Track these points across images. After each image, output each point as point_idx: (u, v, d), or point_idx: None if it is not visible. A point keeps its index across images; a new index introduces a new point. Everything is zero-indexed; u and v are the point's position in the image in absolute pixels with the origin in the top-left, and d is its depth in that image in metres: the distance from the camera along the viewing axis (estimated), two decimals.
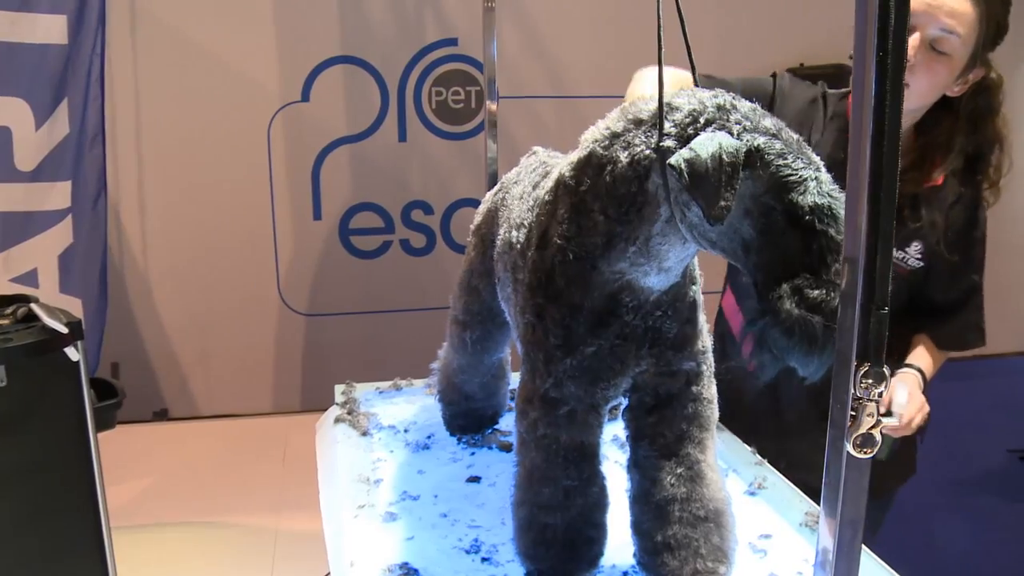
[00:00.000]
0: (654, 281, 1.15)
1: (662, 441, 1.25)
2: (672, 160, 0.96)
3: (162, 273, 4.22)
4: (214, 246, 4.25)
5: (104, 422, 2.35)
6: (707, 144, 0.95)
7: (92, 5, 2.94)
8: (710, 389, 1.27)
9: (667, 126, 1.02)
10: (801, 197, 0.94)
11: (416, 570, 1.32)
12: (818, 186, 0.95)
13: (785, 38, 4.59)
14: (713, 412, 1.28)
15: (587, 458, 1.27)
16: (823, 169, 0.98)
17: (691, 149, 0.96)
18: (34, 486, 2.17)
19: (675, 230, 1.06)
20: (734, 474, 1.64)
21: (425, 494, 1.57)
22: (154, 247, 4.18)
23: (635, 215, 1.07)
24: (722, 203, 0.94)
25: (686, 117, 1.01)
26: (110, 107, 3.82)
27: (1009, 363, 5.30)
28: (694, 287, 1.23)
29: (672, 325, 1.20)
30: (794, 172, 0.95)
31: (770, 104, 1.74)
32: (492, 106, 2.28)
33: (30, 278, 3.08)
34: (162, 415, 4.25)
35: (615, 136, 1.09)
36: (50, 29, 2.88)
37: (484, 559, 1.37)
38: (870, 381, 0.72)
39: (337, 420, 1.87)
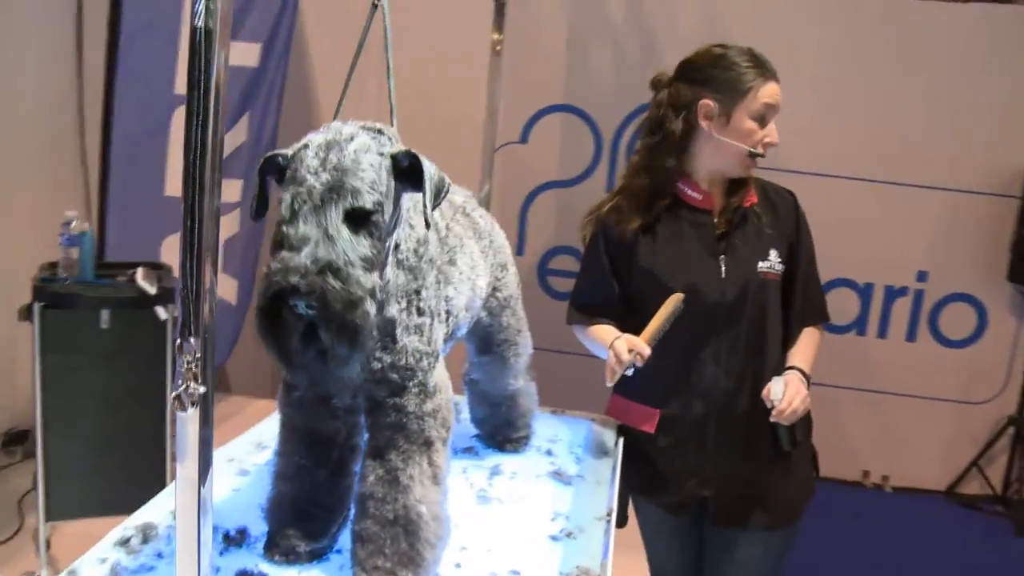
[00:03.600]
0: None
1: (374, 443, 1.37)
2: None
3: None
4: None
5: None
6: None
7: (282, 36, 3.49)
8: (422, 407, 1.35)
9: None
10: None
11: None
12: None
13: None
14: (425, 429, 1.35)
15: (319, 444, 1.41)
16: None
17: None
18: (125, 406, 2.67)
19: None
20: (562, 518, 1.66)
21: None
22: None
23: None
24: None
25: None
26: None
27: None
28: (390, 308, 1.32)
29: (374, 338, 1.32)
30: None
31: None
32: None
33: None
34: None
35: None
36: (246, 54, 3.45)
37: None
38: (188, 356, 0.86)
39: None
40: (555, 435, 2.08)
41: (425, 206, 1.21)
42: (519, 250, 4.64)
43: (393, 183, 1.20)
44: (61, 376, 2.59)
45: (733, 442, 1.99)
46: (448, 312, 1.47)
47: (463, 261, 1.57)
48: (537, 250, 4.64)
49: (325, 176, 1.13)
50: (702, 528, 2.10)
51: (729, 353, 1.97)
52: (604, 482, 1.85)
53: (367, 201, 1.14)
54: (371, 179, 1.15)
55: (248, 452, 1.82)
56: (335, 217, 1.11)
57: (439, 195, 1.25)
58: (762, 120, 1.93)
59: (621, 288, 2.05)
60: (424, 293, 1.34)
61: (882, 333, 4.49)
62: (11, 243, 3.57)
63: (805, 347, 2.05)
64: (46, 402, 2.61)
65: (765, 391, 1.90)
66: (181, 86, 3.41)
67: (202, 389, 0.88)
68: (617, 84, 4.50)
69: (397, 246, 1.29)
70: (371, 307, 1.13)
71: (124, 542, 1.41)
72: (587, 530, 1.61)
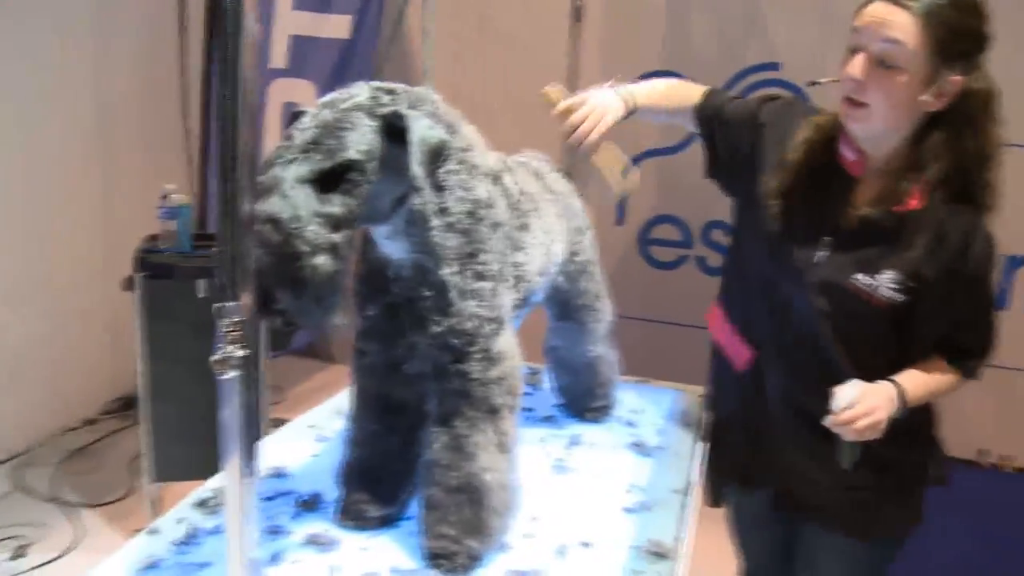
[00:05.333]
0: (391, 249, 1.29)
1: (439, 409, 1.36)
2: None
3: None
4: None
5: (278, 343, 2.89)
6: None
7: (374, 8, 3.50)
8: (487, 373, 1.33)
9: None
10: None
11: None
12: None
13: None
14: (490, 396, 1.33)
15: (391, 410, 1.42)
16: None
17: None
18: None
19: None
20: (638, 490, 1.63)
21: None
22: None
23: None
24: None
25: None
26: None
27: None
28: (441, 271, 1.31)
29: (429, 301, 1.31)
30: None
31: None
32: None
33: None
34: None
35: None
36: (338, 26, 3.48)
37: None
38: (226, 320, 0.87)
39: None
40: (639, 406, 2.04)
41: (411, 165, 1.17)
42: (619, 219, 4.57)
43: (380, 142, 1.18)
44: (162, 344, 2.68)
45: (793, 437, 1.66)
46: (518, 278, 1.45)
47: (536, 226, 1.54)
48: (638, 219, 4.55)
49: (308, 133, 1.13)
50: (786, 522, 1.82)
51: (793, 349, 1.63)
52: (685, 455, 1.81)
53: (336, 160, 1.12)
54: (349, 139, 1.14)
55: (328, 419, 1.85)
56: (296, 173, 1.11)
57: (437, 156, 1.22)
58: (854, 50, 1.46)
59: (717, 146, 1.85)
60: (484, 257, 1.32)
61: (1000, 303, 4.26)
62: (118, 217, 3.70)
63: (924, 370, 1.55)
64: (149, 369, 2.70)
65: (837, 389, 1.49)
66: (275, 60, 3.48)
67: (240, 353, 0.88)
68: (718, 49, 4.38)
69: (445, 209, 1.28)
70: (324, 261, 1.10)
71: (202, 503, 1.45)
72: (663, 503, 1.58)
